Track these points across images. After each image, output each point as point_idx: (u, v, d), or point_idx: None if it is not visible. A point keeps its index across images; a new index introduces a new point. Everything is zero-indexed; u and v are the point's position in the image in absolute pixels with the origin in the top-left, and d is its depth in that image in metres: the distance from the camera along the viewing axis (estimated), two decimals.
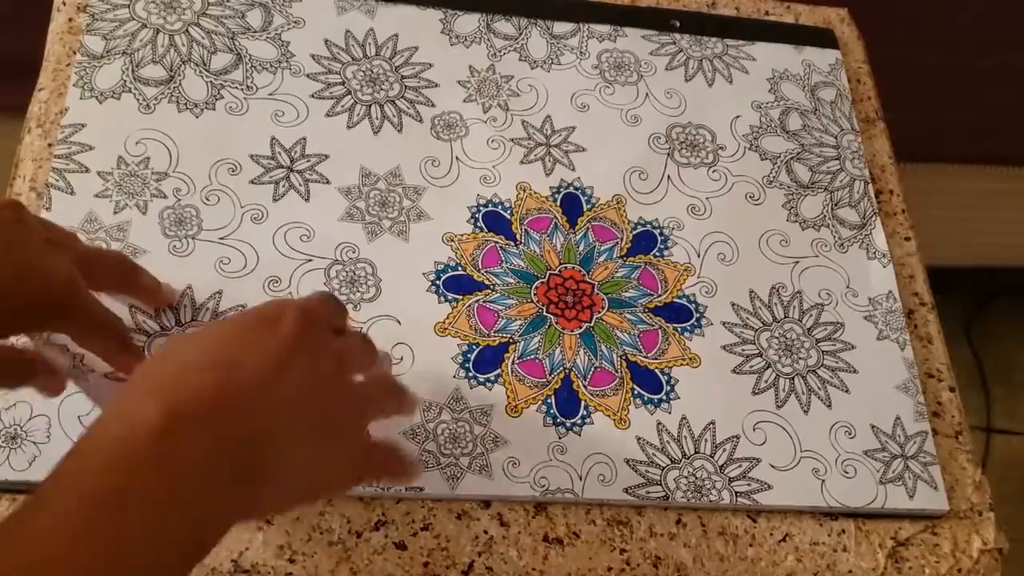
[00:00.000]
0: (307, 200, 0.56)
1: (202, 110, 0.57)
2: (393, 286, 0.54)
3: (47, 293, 0.40)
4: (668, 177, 0.61)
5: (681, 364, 0.54)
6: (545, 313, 0.55)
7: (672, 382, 0.54)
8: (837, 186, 0.63)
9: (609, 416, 0.52)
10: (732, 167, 0.63)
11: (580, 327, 0.55)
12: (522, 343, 0.53)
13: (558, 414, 0.52)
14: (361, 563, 0.47)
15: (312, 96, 0.59)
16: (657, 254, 0.58)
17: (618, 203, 0.60)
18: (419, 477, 0.48)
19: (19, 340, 0.47)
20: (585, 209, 0.59)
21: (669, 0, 0.70)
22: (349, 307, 0.52)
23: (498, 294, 0.55)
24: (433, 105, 0.61)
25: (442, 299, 0.54)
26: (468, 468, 0.49)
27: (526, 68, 0.64)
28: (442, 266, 0.55)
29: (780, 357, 0.56)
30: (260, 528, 0.46)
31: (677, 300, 0.57)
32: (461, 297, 0.54)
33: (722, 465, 0.52)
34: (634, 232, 0.59)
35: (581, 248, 0.58)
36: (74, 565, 0.29)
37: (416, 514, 0.48)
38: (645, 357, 0.54)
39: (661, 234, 0.59)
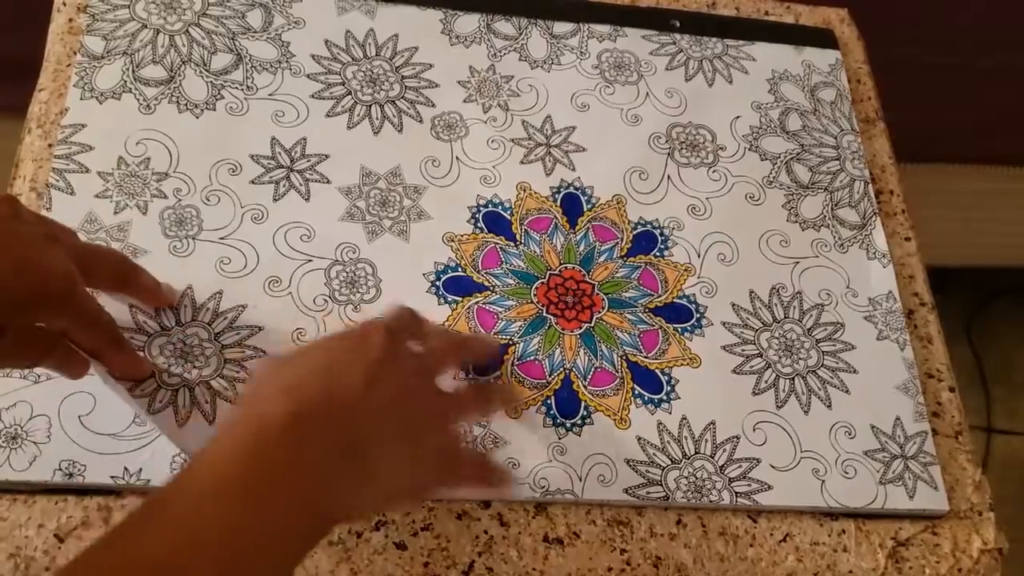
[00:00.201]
0: (307, 200, 0.56)
1: (202, 110, 0.57)
2: (393, 287, 0.54)
3: (45, 286, 0.40)
4: (668, 177, 0.61)
5: (681, 364, 0.54)
6: (545, 314, 0.55)
7: (672, 382, 0.54)
8: (837, 186, 0.63)
9: (609, 416, 0.52)
10: (732, 167, 0.63)
11: (580, 327, 0.55)
12: (522, 344, 0.53)
13: (558, 415, 0.52)
14: (361, 563, 0.47)
15: (312, 96, 0.59)
16: (657, 254, 0.58)
17: (618, 203, 0.60)
18: (510, 490, 0.48)
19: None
20: (585, 209, 0.59)
21: (669, 0, 0.70)
22: (349, 308, 0.52)
23: (498, 295, 0.55)
24: (433, 105, 0.61)
25: (442, 300, 0.54)
26: None
27: (526, 68, 0.64)
28: (442, 267, 0.55)
29: (780, 357, 0.56)
30: None
31: (677, 300, 0.57)
32: (461, 299, 0.54)
33: (722, 465, 0.52)
34: (634, 232, 0.59)
35: (581, 248, 0.58)
36: (209, 543, 0.32)
37: (416, 514, 0.48)
38: (645, 357, 0.54)
39: (661, 234, 0.59)
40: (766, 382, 0.55)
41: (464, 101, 0.61)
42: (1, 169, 0.59)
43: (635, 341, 0.55)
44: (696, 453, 0.52)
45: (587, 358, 0.54)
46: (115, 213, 0.53)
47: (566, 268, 0.57)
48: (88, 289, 0.45)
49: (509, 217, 0.58)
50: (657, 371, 0.54)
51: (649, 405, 0.53)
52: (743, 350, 0.56)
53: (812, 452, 0.53)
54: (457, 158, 0.59)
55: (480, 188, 0.58)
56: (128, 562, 0.31)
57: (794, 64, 0.68)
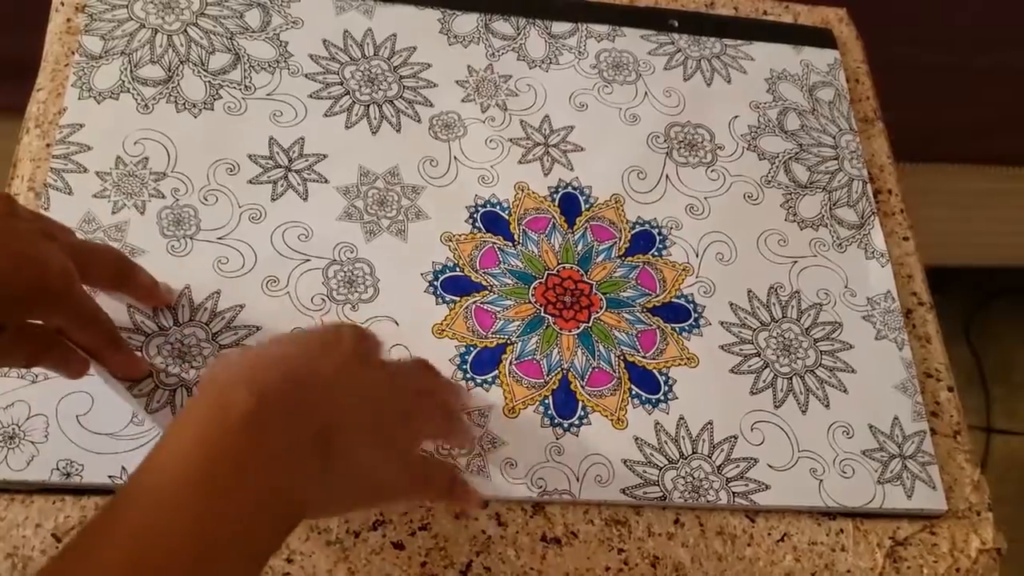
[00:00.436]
0: (305, 200, 0.56)
1: (200, 110, 0.57)
2: (391, 287, 0.54)
3: (42, 282, 0.40)
4: (666, 176, 0.61)
5: (679, 364, 0.54)
6: (543, 313, 0.55)
7: (670, 382, 0.54)
8: (835, 186, 0.63)
9: (607, 416, 0.52)
10: (730, 167, 0.63)
11: (578, 327, 0.55)
12: (520, 344, 0.53)
13: (556, 415, 0.52)
14: (359, 563, 0.47)
15: (310, 96, 0.59)
16: (655, 254, 0.58)
17: (616, 203, 0.60)
18: (478, 507, 0.48)
19: None
20: (583, 209, 0.59)
21: (667, 0, 0.70)
22: (347, 307, 0.52)
23: (495, 295, 0.55)
24: (431, 105, 0.61)
25: (440, 300, 0.54)
26: (466, 469, 0.49)
27: (524, 68, 0.64)
28: (440, 266, 0.55)
29: (778, 357, 0.56)
30: None
31: (675, 300, 0.57)
32: (459, 298, 0.54)
33: (720, 465, 0.52)
34: (632, 232, 0.59)
35: (579, 248, 0.58)
36: (174, 534, 0.32)
37: (414, 514, 0.48)
38: (643, 357, 0.54)
39: (659, 234, 0.59)
40: (764, 382, 0.55)
41: (462, 101, 0.61)
42: None
43: (633, 341, 0.55)
44: (693, 453, 0.52)
45: (585, 358, 0.54)
46: (113, 213, 0.53)
47: (564, 268, 0.57)
48: (85, 288, 0.45)
49: (507, 217, 0.58)
50: (655, 371, 0.54)
51: (647, 405, 0.53)
52: (741, 350, 0.56)
53: (810, 452, 0.53)
54: (455, 158, 0.59)
55: (478, 188, 0.58)
56: (95, 569, 0.30)
57: (792, 64, 0.68)
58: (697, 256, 0.59)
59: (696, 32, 0.68)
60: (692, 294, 0.57)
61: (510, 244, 0.57)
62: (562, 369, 0.53)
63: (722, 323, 0.56)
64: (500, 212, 0.58)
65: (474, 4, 0.65)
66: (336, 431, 0.37)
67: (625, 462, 0.51)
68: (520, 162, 0.60)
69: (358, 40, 0.62)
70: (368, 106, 0.60)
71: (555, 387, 0.52)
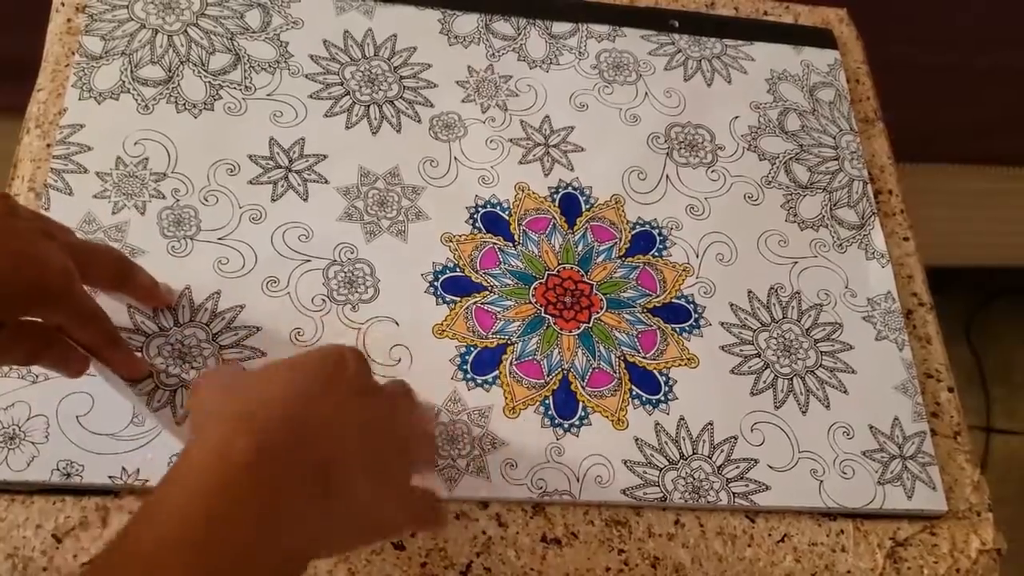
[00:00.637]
0: (305, 200, 0.56)
1: (201, 110, 0.57)
2: (391, 287, 0.54)
3: (42, 280, 0.40)
4: (667, 177, 0.61)
5: (679, 365, 0.54)
6: (543, 314, 0.55)
7: (670, 383, 0.54)
8: (836, 186, 0.63)
9: (607, 417, 0.52)
10: (731, 167, 0.63)
11: (578, 328, 0.55)
12: (520, 344, 0.53)
13: (556, 415, 0.52)
14: (359, 563, 0.47)
15: (311, 96, 0.59)
16: (656, 254, 0.58)
17: (617, 203, 0.60)
18: (446, 528, 0.48)
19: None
20: (584, 209, 0.59)
21: (668, 0, 0.70)
22: (347, 308, 0.52)
23: (496, 295, 0.55)
24: (432, 105, 0.61)
25: (440, 301, 0.54)
26: (466, 470, 0.49)
27: (525, 68, 0.64)
28: (440, 267, 0.55)
29: (778, 358, 0.56)
30: None
31: (676, 300, 0.57)
32: (459, 299, 0.54)
33: (720, 466, 0.52)
34: (633, 232, 0.59)
35: (580, 248, 0.58)
36: None
37: None
38: (643, 358, 0.54)
39: (660, 234, 0.59)
40: (764, 382, 0.55)
41: (462, 101, 0.61)
42: None
43: (633, 341, 0.55)
44: (694, 454, 0.52)
45: (585, 358, 0.54)
46: (113, 213, 0.53)
47: (564, 268, 0.57)
48: (85, 288, 0.45)
49: (507, 217, 0.58)
50: (655, 371, 0.54)
51: (647, 406, 0.53)
52: (741, 350, 0.56)
53: (810, 452, 0.53)
54: (455, 158, 0.59)
55: (478, 188, 0.58)
56: None
57: (793, 64, 0.68)
58: (697, 257, 0.59)
59: (696, 32, 0.68)
60: (692, 295, 0.57)
61: (510, 244, 0.57)
62: (562, 369, 0.53)
63: (722, 324, 0.56)
64: (500, 212, 0.58)
65: (474, 4, 0.65)
66: (335, 469, 0.36)
67: (625, 463, 0.51)
68: (520, 162, 0.60)
69: (358, 40, 0.62)
70: (368, 106, 0.60)
71: (555, 387, 0.52)
